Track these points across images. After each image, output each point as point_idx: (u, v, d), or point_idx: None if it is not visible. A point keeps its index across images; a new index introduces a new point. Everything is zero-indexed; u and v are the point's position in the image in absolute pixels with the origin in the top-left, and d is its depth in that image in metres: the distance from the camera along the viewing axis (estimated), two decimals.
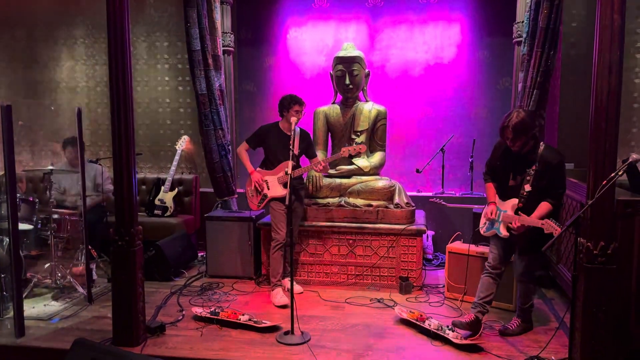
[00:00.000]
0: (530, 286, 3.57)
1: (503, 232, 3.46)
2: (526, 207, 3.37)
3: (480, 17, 5.44)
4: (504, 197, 3.52)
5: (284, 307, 4.05)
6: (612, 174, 2.66)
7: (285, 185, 4.21)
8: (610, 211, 2.81)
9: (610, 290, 2.83)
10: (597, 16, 2.76)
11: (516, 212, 3.39)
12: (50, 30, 6.12)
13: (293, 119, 4.08)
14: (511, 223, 3.37)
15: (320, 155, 4.89)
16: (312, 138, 4.59)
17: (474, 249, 4.10)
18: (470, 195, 5.34)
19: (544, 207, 3.29)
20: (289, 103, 4.24)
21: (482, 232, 3.66)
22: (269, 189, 4.32)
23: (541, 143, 3.40)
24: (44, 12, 6.09)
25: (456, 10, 5.49)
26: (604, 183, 2.65)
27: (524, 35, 4.58)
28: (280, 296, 4.17)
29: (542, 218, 3.24)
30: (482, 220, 3.65)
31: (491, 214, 3.55)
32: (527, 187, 3.35)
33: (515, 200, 3.43)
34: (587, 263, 2.83)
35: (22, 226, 4.20)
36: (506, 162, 3.51)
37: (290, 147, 3.79)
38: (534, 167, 3.33)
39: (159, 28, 5.92)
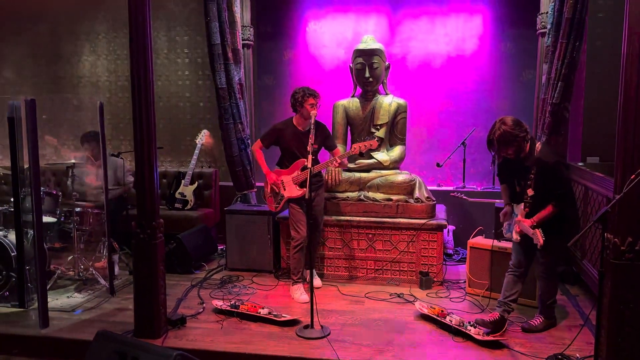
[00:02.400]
0: (552, 283, 3.50)
1: (514, 237, 3.45)
2: (532, 212, 3.34)
3: (503, 8, 5.34)
4: (518, 201, 3.49)
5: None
6: None
7: (301, 185, 4.15)
8: (638, 206, 2.73)
9: (638, 287, 2.75)
10: (626, 4, 2.67)
11: (527, 217, 3.36)
12: (73, 26, 6.19)
13: (313, 113, 3.96)
14: (518, 230, 3.39)
15: (339, 149, 4.85)
16: (330, 130, 4.52)
17: (496, 244, 4.03)
18: (492, 190, 5.25)
19: (545, 210, 3.27)
20: (302, 97, 4.08)
21: (504, 235, 3.66)
22: (285, 189, 4.22)
23: (538, 144, 3.35)
24: (67, 8, 6.16)
25: (478, 2, 5.39)
26: (632, 177, 2.57)
27: (549, 27, 4.48)
28: (300, 293, 4.16)
29: (542, 220, 3.24)
30: (504, 225, 3.65)
31: (504, 217, 3.59)
32: (530, 192, 3.32)
33: (521, 206, 3.41)
34: (614, 259, 2.75)
35: (46, 219, 4.26)
36: (510, 169, 3.51)
37: (310, 141, 3.72)
38: (532, 171, 3.29)
39: (179, 22, 5.95)
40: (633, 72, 2.67)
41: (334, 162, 4.14)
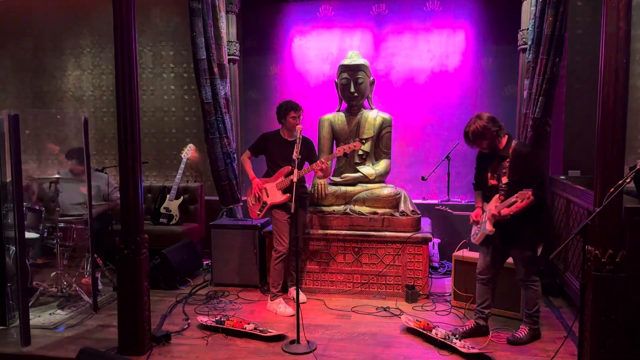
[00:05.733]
0: (534, 289, 3.52)
1: (489, 228, 3.45)
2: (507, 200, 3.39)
3: (484, 24, 5.45)
4: (489, 199, 3.55)
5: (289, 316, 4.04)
6: (620, 182, 2.64)
7: (284, 191, 4.22)
8: (618, 219, 2.79)
9: (619, 299, 2.80)
10: (602, 24, 2.76)
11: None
12: (57, 40, 6.18)
13: (299, 127, 3.95)
14: (495, 215, 3.38)
15: None
16: (316, 146, 4.56)
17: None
18: None
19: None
20: (284, 110, 4.27)
21: (473, 240, 3.68)
22: (268, 196, 4.29)
23: (513, 141, 3.48)
24: (51, 22, 6.16)
25: (461, 18, 5.50)
26: (611, 191, 2.63)
27: (529, 43, 4.57)
28: (284, 306, 4.16)
29: (521, 210, 3.28)
30: (473, 230, 3.68)
31: (475, 216, 3.64)
32: (504, 179, 3.43)
33: (496, 196, 3.47)
34: (595, 271, 2.80)
35: (29, 235, 4.20)
36: (484, 163, 3.61)
37: (295, 150, 3.74)
38: (507, 160, 3.42)
39: (164, 37, 5.97)
40: (610, 87, 2.74)
41: (319, 164, 4.16)
